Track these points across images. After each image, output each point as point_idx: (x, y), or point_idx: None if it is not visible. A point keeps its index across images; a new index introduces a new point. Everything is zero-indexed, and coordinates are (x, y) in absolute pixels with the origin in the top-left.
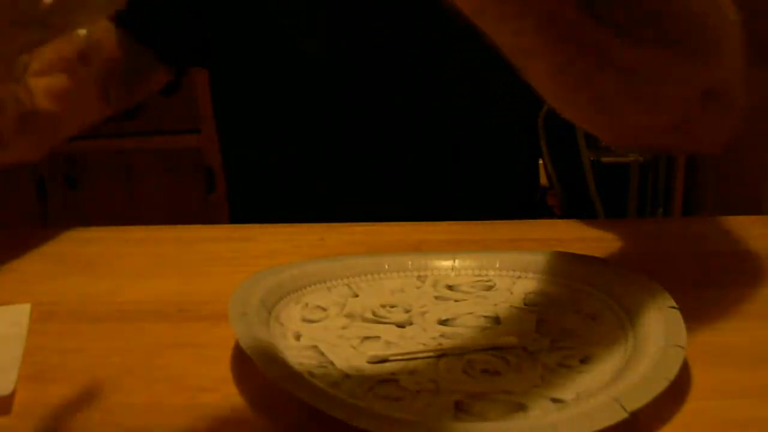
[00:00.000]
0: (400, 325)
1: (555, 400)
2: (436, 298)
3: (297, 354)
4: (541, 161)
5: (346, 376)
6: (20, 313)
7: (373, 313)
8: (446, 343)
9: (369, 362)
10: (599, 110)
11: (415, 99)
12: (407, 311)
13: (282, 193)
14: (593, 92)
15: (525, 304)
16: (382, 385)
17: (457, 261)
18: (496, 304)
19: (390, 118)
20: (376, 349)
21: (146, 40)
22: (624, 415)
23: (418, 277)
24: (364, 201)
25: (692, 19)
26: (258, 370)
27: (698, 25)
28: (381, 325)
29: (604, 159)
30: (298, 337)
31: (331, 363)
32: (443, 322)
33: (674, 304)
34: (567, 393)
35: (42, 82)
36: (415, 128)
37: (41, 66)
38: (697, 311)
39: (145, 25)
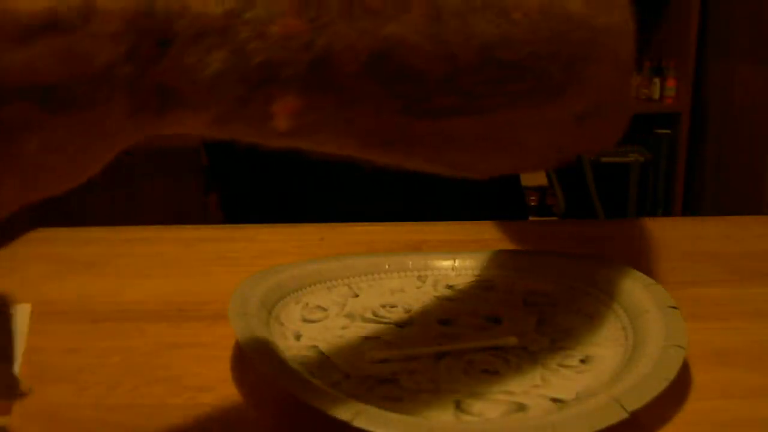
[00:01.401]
0: (400, 325)
1: (555, 400)
2: (436, 298)
3: (297, 354)
4: None
5: (346, 376)
6: (20, 313)
7: (373, 313)
8: (446, 343)
9: (369, 362)
10: (455, 171)
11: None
12: (407, 311)
13: (273, 196)
14: (443, 163)
15: (525, 304)
16: (382, 385)
17: (457, 261)
18: (496, 304)
19: None
20: (376, 349)
21: None
22: (624, 415)
23: (418, 277)
24: (347, 200)
25: (535, 65)
26: (258, 370)
27: (542, 67)
28: (381, 325)
29: (604, 159)
30: (298, 337)
31: (332, 363)
32: (443, 322)
33: (674, 304)
34: (567, 393)
35: None
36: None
37: None
38: (697, 311)
39: None
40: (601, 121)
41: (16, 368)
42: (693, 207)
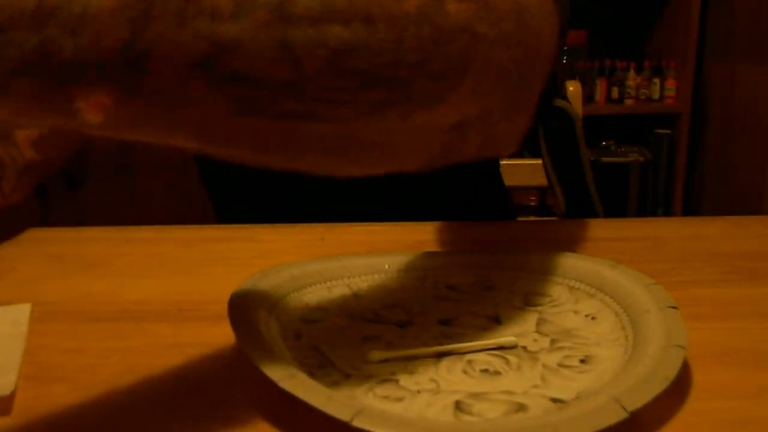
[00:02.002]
0: (400, 325)
1: (555, 400)
2: (436, 298)
3: (297, 354)
4: (541, 161)
5: (346, 376)
6: (20, 313)
7: (373, 313)
8: (446, 343)
9: (369, 362)
10: (322, 171)
11: None
12: (407, 311)
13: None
14: (304, 164)
15: (525, 304)
16: (382, 385)
17: (457, 261)
18: (496, 304)
19: None
20: (376, 349)
21: None
22: (624, 415)
23: (418, 277)
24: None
25: (395, 81)
26: (258, 370)
27: (404, 83)
28: (381, 325)
29: (604, 159)
30: (298, 337)
31: (331, 363)
32: (443, 322)
33: (674, 304)
34: (567, 393)
35: (22, 135)
36: None
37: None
38: (698, 311)
39: None
40: (485, 130)
41: (17, 368)
42: (693, 207)
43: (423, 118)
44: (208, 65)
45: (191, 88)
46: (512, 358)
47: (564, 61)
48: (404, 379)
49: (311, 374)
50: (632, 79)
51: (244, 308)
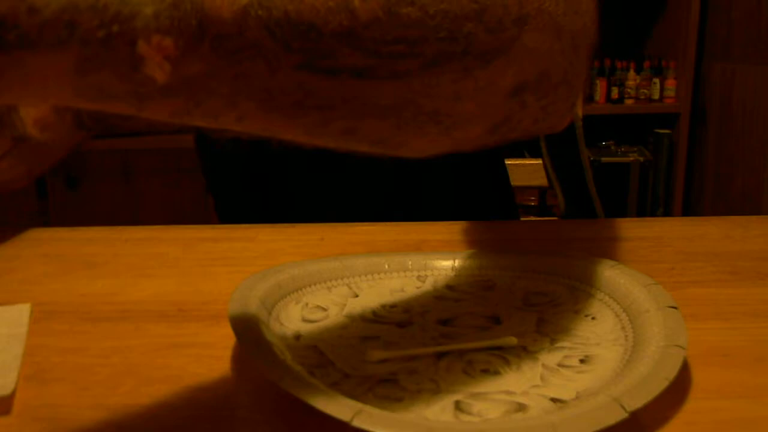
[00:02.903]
0: (400, 325)
1: (555, 400)
2: (436, 298)
3: (297, 354)
4: (541, 161)
5: (346, 376)
6: (20, 313)
7: (373, 313)
8: (446, 343)
9: (369, 362)
10: (383, 147)
11: None
12: (407, 311)
13: (268, 200)
14: (366, 137)
15: (525, 304)
16: (382, 385)
17: (457, 261)
18: (496, 304)
19: None
20: (376, 349)
21: None
22: (624, 415)
23: (418, 277)
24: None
25: (454, 32)
26: (258, 370)
27: (463, 35)
28: (381, 325)
29: (604, 159)
30: (298, 337)
31: (331, 363)
32: (443, 322)
33: (674, 304)
34: (567, 393)
35: (31, 113)
36: None
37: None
38: (697, 311)
39: None
40: (543, 97)
41: (17, 369)
42: (693, 207)
43: (483, 76)
44: (263, 7)
45: (249, 33)
46: (512, 358)
47: None
48: (404, 379)
49: (311, 374)
50: (632, 79)
51: (244, 308)
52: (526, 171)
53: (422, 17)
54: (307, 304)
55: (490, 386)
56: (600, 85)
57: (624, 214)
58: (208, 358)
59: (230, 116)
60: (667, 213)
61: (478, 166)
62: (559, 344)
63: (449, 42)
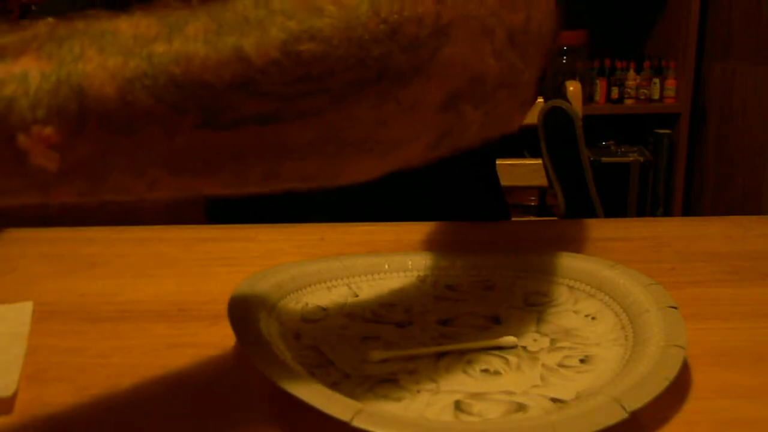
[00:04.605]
0: (400, 325)
1: (555, 400)
2: (436, 298)
3: (297, 354)
4: (541, 161)
5: (346, 376)
6: (22, 311)
7: (373, 313)
8: (446, 343)
9: (369, 362)
10: (315, 180)
11: None
12: (407, 311)
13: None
14: (294, 175)
15: (525, 304)
16: (382, 385)
17: (457, 261)
18: (496, 304)
19: None
20: (376, 349)
21: None
22: (624, 415)
23: (418, 277)
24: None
25: (362, 58)
26: (258, 370)
27: (374, 59)
28: (381, 325)
29: (604, 159)
30: (298, 337)
31: (331, 363)
32: (443, 322)
33: (674, 304)
34: (567, 393)
35: None
36: None
37: None
38: (697, 311)
39: None
40: (482, 104)
41: (18, 369)
42: (693, 207)
43: (405, 96)
44: (148, 77)
45: (137, 104)
46: (512, 358)
47: (564, 61)
48: (404, 379)
49: (311, 374)
50: (632, 79)
51: (244, 308)
52: (526, 171)
53: (325, 50)
54: (307, 304)
55: (490, 386)
56: (600, 85)
57: (624, 214)
58: (208, 358)
59: (141, 186)
60: (667, 213)
61: (465, 168)
62: (559, 344)
63: (359, 70)
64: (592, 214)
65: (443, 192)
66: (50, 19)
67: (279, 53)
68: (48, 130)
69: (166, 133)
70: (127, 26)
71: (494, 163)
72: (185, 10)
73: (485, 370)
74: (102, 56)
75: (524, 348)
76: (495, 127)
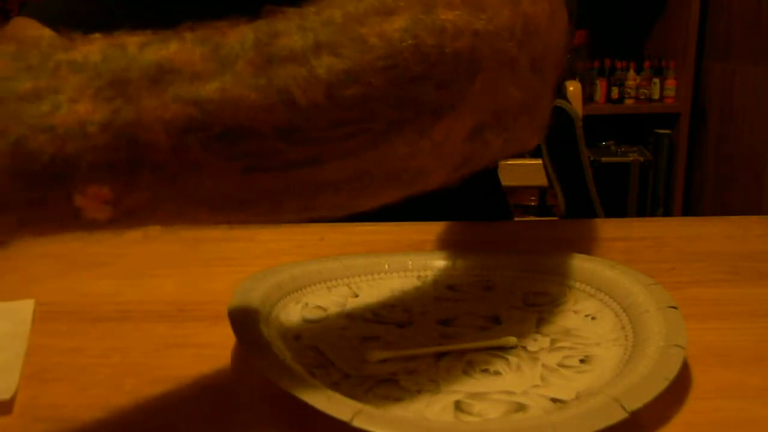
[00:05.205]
0: (400, 325)
1: (555, 400)
2: (436, 298)
3: (297, 354)
4: (541, 161)
5: (346, 376)
6: (24, 309)
7: (373, 313)
8: (446, 343)
9: (369, 362)
10: (347, 210)
11: None
12: (407, 311)
13: None
14: (327, 207)
15: (525, 304)
16: (382, 385)
17: (457, 261)
18: (496, 304)
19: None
20: (376, 349)
21: None
22: (624, 415)
23: (418, 277)
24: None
25: (401, 99)
26: (258, 370)
27: (411, 99)
28: (381, 325)
29: (604, 159)
30: (298, 337)
31: (331, 363)
32: (443, 322)
33: (674, 304)
34: (567, 393)
35: None
36: None
37: None
38: (697, 311)
39: None
40: (504, 132)
41: (18, 370)
42: (693, 207)
43: (438, 131)
44: (199, 127)
45: (189, 154)
46: (512, 358)
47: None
48: (404, 379)
49: (311, 374)
50: (632, 79)
51: (244, 308)
52: (526, 171)
53: (367, 93)
54: (307, 304)
55: (490, 386)
56: (600, 85)
57: (624, 214)
58: (208, 358)
59: (183, 220)
60: (667, 213)
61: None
62: (559, 344)
63: (399, 110)
64: (592, 214)
65: (445, 192)
66: (98, 37)
67: (324, 98)
68: (104, 190)
69: (213, 179)
70: (180, 59)
71: (495, 165)
72: (235, 36)
73: (485, 370)
74: (155, 100)
75: (524, 348)
76: (513, 149)
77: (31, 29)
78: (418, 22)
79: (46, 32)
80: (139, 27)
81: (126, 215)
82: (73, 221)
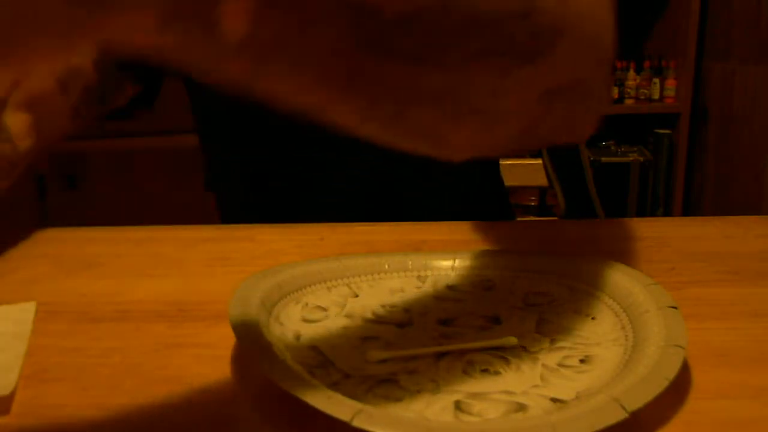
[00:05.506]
0: (400, 325)
1: (555, 400)
2: (436, 298)
3: (297, 354)
4: (541, 161)
5: (346, 376)
6: (25, 311)
7: (373, 313)
8: (446, 343)
9: (369, 362)
10: (425, 139)
11: None
12: (407, 311)
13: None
14: (410, 126)
15: (525, 304)
16: (382, 385)
17: (457, 261)
18: (496, 304)
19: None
20: (376, 349)
21: (126, 66)
22: (624, 415)
23: (418, 277)
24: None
25: (500, 29)
26: (258, 370)
27: (509, 33)
28: (381, 325)
29: (604, 159)
30: (298, 337)
31: (331, 363)
32: (443, 322)
33: (674, 304)
34: (567, 393)
35: (19, 120)
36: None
37: (23, 99)
38: (697, 311)
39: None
40: (572, 105)
41: (18, 369)
42: (693, 207)
43: (519, 76)
44: None
45: (323, 5)
46: (512, 358)
47: None
48: (404, 379)
49: (311, 374)
50: (632, 79)
51: (244, 308)
52: (526, 171)
53: (473, 13)
54: (307, 304)
55: (490, 386)
56: None
57: (624, 214)
58: (208, 358)
59: (288, 87)
60: (667, 213)
61: (472, 170)
62: (559, 344)
63: (493, 39)
64: (592, 214)
65: (448, 193)
66: None
67: (439, 4)
68: (249, 2)
69: (332, 43)
70: None
71: (498, 165)
72: None
73: (485, 370)
74: None
75: (524, 348)
76: (570, 131)
77: None
78: None
79: None
80: None
81: (248, 45)
82: (210, 33)
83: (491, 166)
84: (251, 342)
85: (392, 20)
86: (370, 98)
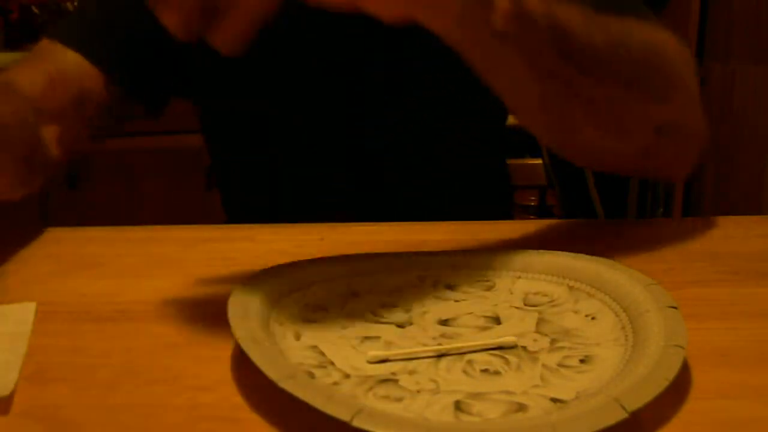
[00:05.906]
0: (400, 325)
1: (555, 400)
2: (436, 298)
3: (297, 354)
4: (541, 161)
5: (346, 376)
6: (25, 311)
7: (373, 313)
8: (446, 343)
9: (369, 362)
10: (568, 131)
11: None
12: (407, 311)
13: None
14: (564, 116)
15: (525, 304)
16: (382, 385)
17: (457, 261)
18: (496, 304)
19: (367, 127)
20: (376, 349)
21: (134, 93)
22: (624, 415)
23: (418, 277)
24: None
25: (645, 68)
26: (258, 370)
27: (650, 73)
28: (381, 325)
29: None
30: (298, 337)
31: (331, 363)
32: (443, 322)
33: (674, 304)
34: (567, 393)
35: (51, 131)
36: (388, 130)
37: (49, 113)
38: (698, 311)
39: (133, 79)
40: (673, 142)
41: (17, 368)
42: (693, 207)
43: (647, 110)
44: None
45: (541, 23)
46: (512, 358)
47: None
48: (404, 379)
49: (311, 374)
50: None
51: (244, 308)
52: (526, 171)
53: (625, 59)
54: (307, 304)
55: (490, 386)
56: None
57: (624, 214)
58: (208, 358)
59: (528, 101)
60: (667, 213)
61: (481, 166)
62: (559, 344)
63: (644, 81)
64: (592, 214)
65: (446, 192)
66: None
67: (610, 48)
68: (508, 5)
69: (541, 47)
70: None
71: (505, 163)
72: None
73: (485, 370)
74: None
75: (524, 348)
76: (668, 170)
77: (56, 52)
78: (663, 40)
79: (69, 54)
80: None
81: (506, 34)
82: (484, 24)
83: (494, 166)
84: (251, 342)
85: (579, 47)
86: (549, 87)
